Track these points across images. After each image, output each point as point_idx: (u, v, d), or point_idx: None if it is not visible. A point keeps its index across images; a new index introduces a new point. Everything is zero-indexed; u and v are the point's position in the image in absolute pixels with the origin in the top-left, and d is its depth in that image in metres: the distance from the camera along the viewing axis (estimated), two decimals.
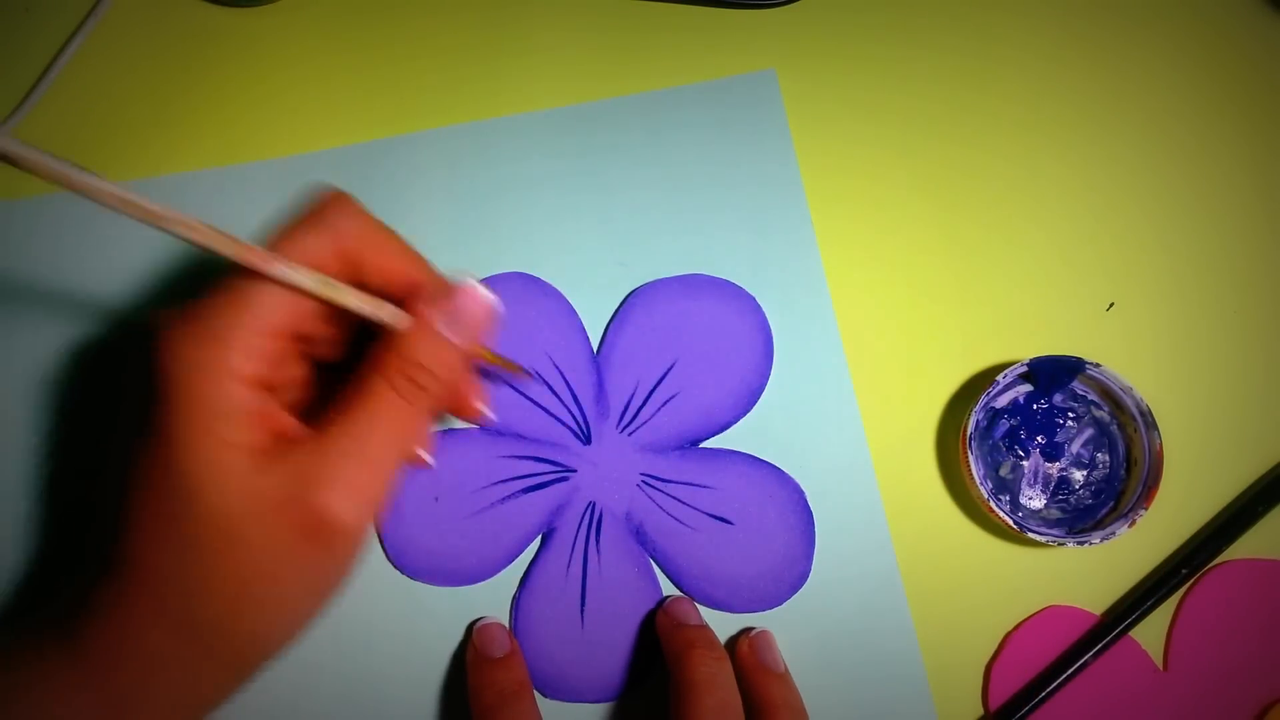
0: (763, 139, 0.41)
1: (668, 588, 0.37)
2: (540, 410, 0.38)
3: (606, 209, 0.40)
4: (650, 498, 0.37)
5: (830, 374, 0.39)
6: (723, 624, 0.37)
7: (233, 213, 0.40)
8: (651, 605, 0.37)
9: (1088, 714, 0.36)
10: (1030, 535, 0.35)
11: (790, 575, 0.37)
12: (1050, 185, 0.41)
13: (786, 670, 0.35)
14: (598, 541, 0.37)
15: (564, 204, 0.40)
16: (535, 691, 0.36)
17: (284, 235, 0.29)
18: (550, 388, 0.38)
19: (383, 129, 0.41)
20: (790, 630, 0.36)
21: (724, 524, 0.37)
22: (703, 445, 0.38)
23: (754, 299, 0.39)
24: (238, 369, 0.27)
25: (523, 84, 0.42)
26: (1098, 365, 0.36)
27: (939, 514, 0.38)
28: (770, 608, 0.37)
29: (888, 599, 0.37)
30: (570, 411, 0.38)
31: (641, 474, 0.37)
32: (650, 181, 0.40)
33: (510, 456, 0.38)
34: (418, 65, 0.42)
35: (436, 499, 0.37)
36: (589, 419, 0.38)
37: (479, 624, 0.36)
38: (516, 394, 0.38)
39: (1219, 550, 0.37)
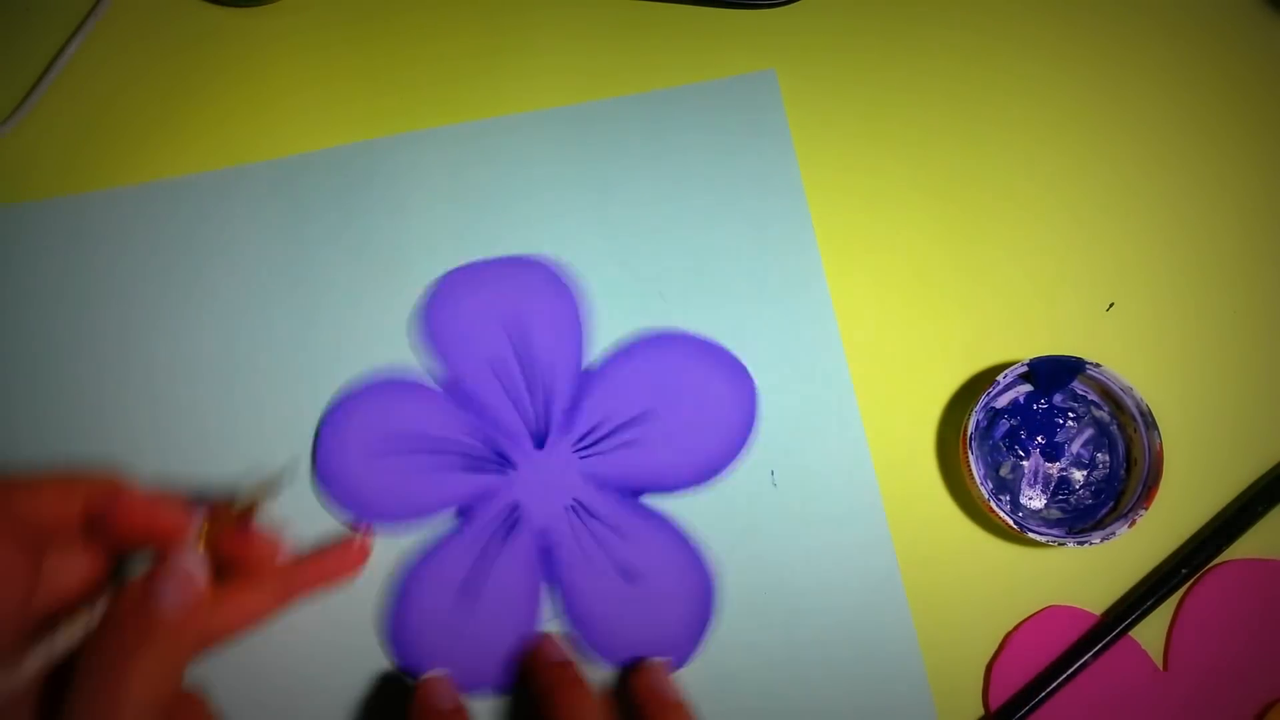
0: (763, 139, 0.41)
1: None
2: (508, 399, 0.38)
3: (606, 209, 0.40)
4: (571, 525, 0.37)
5: (830, 374, 0.39)
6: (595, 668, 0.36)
7: (233, 213, 0.40)
8: (525, 627, 0.36)
9: (1088, 714, 0.36)
10: (1030, 535, 0.35)
11: (675, 649, 0.36)
12: (1050, 185, 0.41)
13: (683, 699, 0.34)
14: (504, 542, 0.37)
15: (564, 204, 0.40)
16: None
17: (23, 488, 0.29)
18: (527, 383, 0.38)
19: (383, 129, 0.41)
20: (790, 630, 0.36)
21: (628, 581, 0.37)
22: (643, 499, 0.38)
23: (754, 386, 0.38)
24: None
25: (523, 84, 0.42)
26: (1098, 365, 0.36)
27: (939, 514, 0.38)
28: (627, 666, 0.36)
29: (888, 599, 0.37)
30: (535, 412, 0.38)
31: (575, 499, 0.37)
32: (650, 181, 0.40)
33: (462, 431, 0.38)
34: (418, 65, 0.42)
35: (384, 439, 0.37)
36: (550, 426, 0.38)
37: (425, 678, 0.35)
38: (490, 375, 0.38)
39: (1219, 550, 0.37)
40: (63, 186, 0.40)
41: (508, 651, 0.36)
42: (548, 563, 0.37)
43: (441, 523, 0.37)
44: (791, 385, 0.38)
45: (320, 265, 0.40)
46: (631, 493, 0.38)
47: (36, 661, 0.27)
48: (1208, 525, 0.38)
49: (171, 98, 0.42)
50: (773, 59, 0.42)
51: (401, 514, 0.37)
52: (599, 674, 0.36)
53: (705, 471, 0.38)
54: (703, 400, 0.38)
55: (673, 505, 0.37)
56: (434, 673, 0.36)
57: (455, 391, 0.38)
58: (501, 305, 0.39)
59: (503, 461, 0.38)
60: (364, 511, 0.37)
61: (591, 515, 0.37)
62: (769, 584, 0.37)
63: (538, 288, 0.39)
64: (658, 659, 0.36)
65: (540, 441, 0.38)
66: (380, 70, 0.42)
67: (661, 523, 0.37)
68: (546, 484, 0.37)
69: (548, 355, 0.39)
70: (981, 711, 0.37)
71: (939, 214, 0.40)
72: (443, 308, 0.39)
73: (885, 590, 0.37)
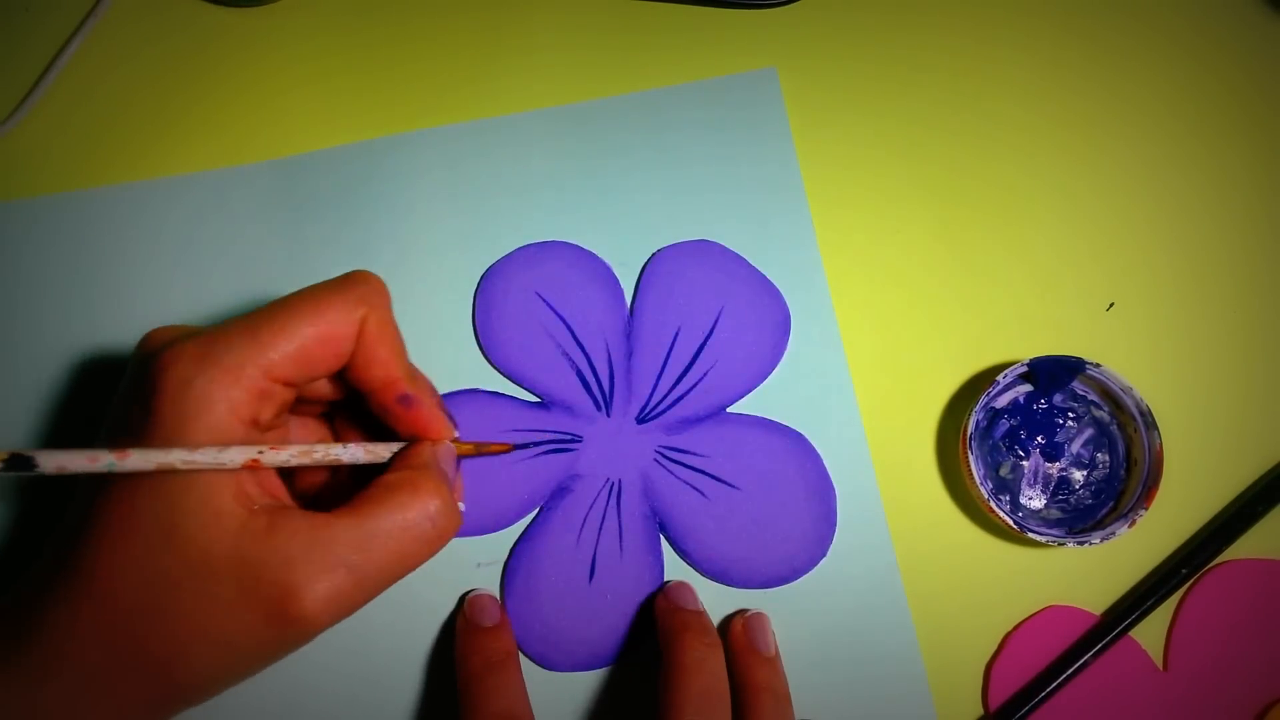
0: (763, 139, 0.41)
1: (674, 566, 0.37)
2: (572, 377, 0.38)
3: (606, 209, 0.40)
4: (668, 469, 0.37)
5: (830, 374, 0.39)
6: (722, 601, 0.37)
7: (233, 213, 0.40)
8: (656, 582, 0.37)
9: (1088, 714, 0.36)
10: (1030, 535, 0.35)
11: (805, 552, 0.37)
12: (1051, 185, 0.41)
13: (777, 654, 0.35)
14: (618, 511, 0.37)
15: (564, 204, 0.40)
16: (523, 660, 0.36)
17: (313, 299, 0.29)
18: (589, 359, 0.38)
19: (383, 129, 0.41)
20: (790, 630, 0.36)
21: (734, 491, 0.37)
22: (727, 412, 0.38)
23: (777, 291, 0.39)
24: (242, 408, 0.27)
25: (523, 84, 0.42)
26: (1098, 365, 0.36)
27: (939, 514, 0.38)
28: (777, 585, 0.37)
29: (888, 599, 0.37)
30: (599, 383, 0.38)
31: (659, 447, 0.38)
32: (650, 181, 0.40)
33: (527, 425, 0.38)
34: (418, 65, 0.42)
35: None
36: (612, 392, 0.38)
37: (471, 594, 0.36)
38: (549, 359, 0.38)
39: (1219, 550, 0.37)
40: (62, 185, 0.40)
41: (635, 619, 0.36)
42: (659, 514, 0.37)
43: (530, 516, 0.38)
44: (792, 385, 0.38)
45: (320, 265, 0.40)
46: (711, 414, 0.38)
47: (298, 458, 0.28)
48: (1208, 525, 0.38)
49: (171, 97, 0.42)
50: (773, 58, 0.42)
51: (495, 521, 0.37)
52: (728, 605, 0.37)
53: (765, 369, 0.38)
54: (738, 314, 0.39)
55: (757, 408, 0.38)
56: (479, 590, 0.36)
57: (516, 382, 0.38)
58: (537, 287, 0.39)
59: (573, 437, 0.38)
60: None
61: (680, 451, 0.38)
62: None
63: (562, 269, 0.39)
64: (757, 613, 0.36)
65: (608, 409, 0.38)
66: (380, 70, 0.42)
67: (751, 425, 0.38)
68: (626, 444, 0.38)
69: (594, 322, 0.39)
70: (981, 711, 0.37)
71: (939, 213, 0.40)
72: (487, 307, 0.39)
73: (885, 590, 0.37)
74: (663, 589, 0.36)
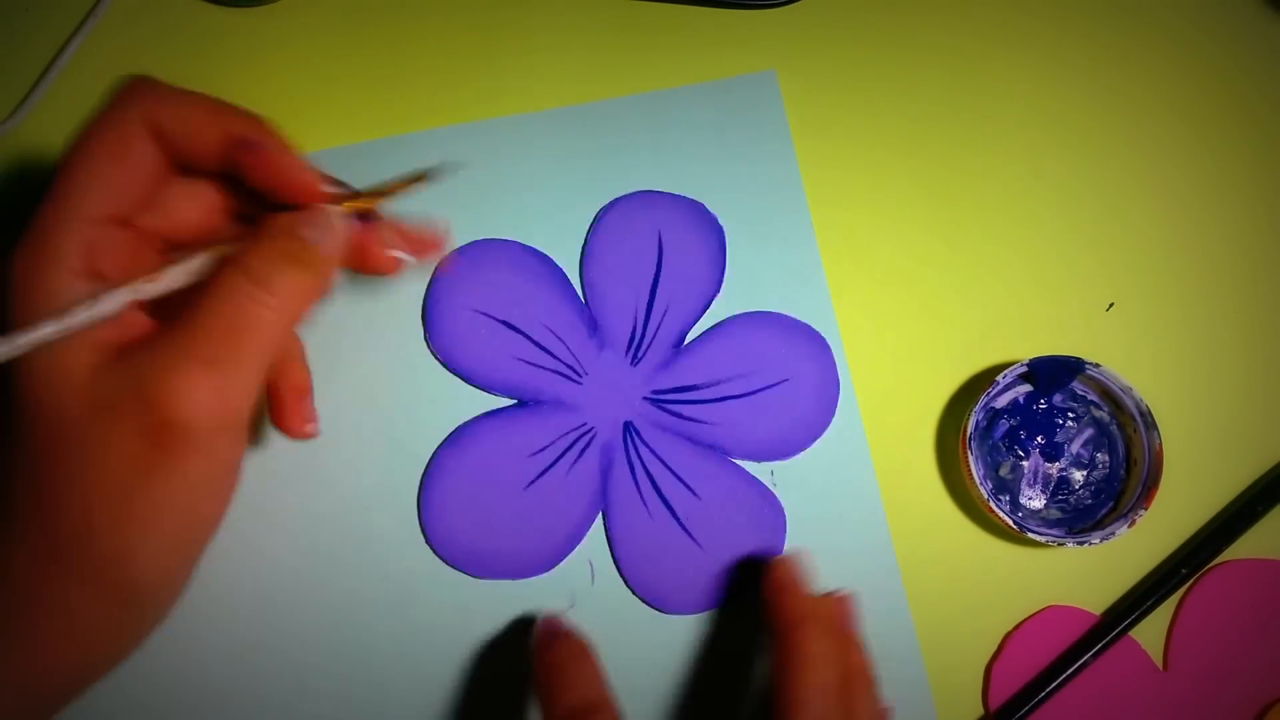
0: (763, 139, 0.41)
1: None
2: (632, 300, 0.39)
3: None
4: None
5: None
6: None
7: None
8: (574, 529, 0.37)
9: (1088, 714, 0.36)
10: (1030, 535, 0.35)
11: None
12: (1050, 185, 0.41)
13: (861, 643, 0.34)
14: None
15: (564, 205, 0.40)
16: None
17: (85, 141, 0.28)
18: (653, 295, 0.39)
19: (383, 129, 0.41)
20: None
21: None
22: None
23: (833, 359, 0.39)
24: (69, 263, 0.27)
25: (523, 84, 0.42)
26: (1098, 365, 0.36)
27: (939, 514, 0.38)
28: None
29: (888, 599, 0.37)
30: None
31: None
32: (650, 181, 0.40)
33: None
34: (418, 65, 0.42)
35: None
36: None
37: (544, 619, 0.35)
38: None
39: (1219, 550, 0.37)
40: None
41: (549, 549, 0.37)
42: (605, 480, 0.37)
43: (498, 403, 0.38)
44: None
45: None
46: (690, 440, 0.38)
47: (174, 278, 0.28)
48: (1208, 525, 0.38)
49: None
50: (773, 59, 0.42)
51: (470, 373, 0.38)
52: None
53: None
54: (788, 376, 0.39)
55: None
56: (551, 614, 0.36)
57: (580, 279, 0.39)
58: (655, 227, 0.40)
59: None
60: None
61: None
62: None
63: (691, 221, 0.40)
64: (846, 595, 0.35)
65: (634, 354, 0.38)
66: (380, 70, 0.42)
67: (721, 459, 0.38)
68: (619, 398, 0.38)
69: (684, 281, 0.39)
70: (981, 711, 0.37)
71: (939, 214, 0.40)
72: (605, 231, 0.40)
73: (885, 590, 0.37)
74: (770, 564, 0.34)
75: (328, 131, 0.41)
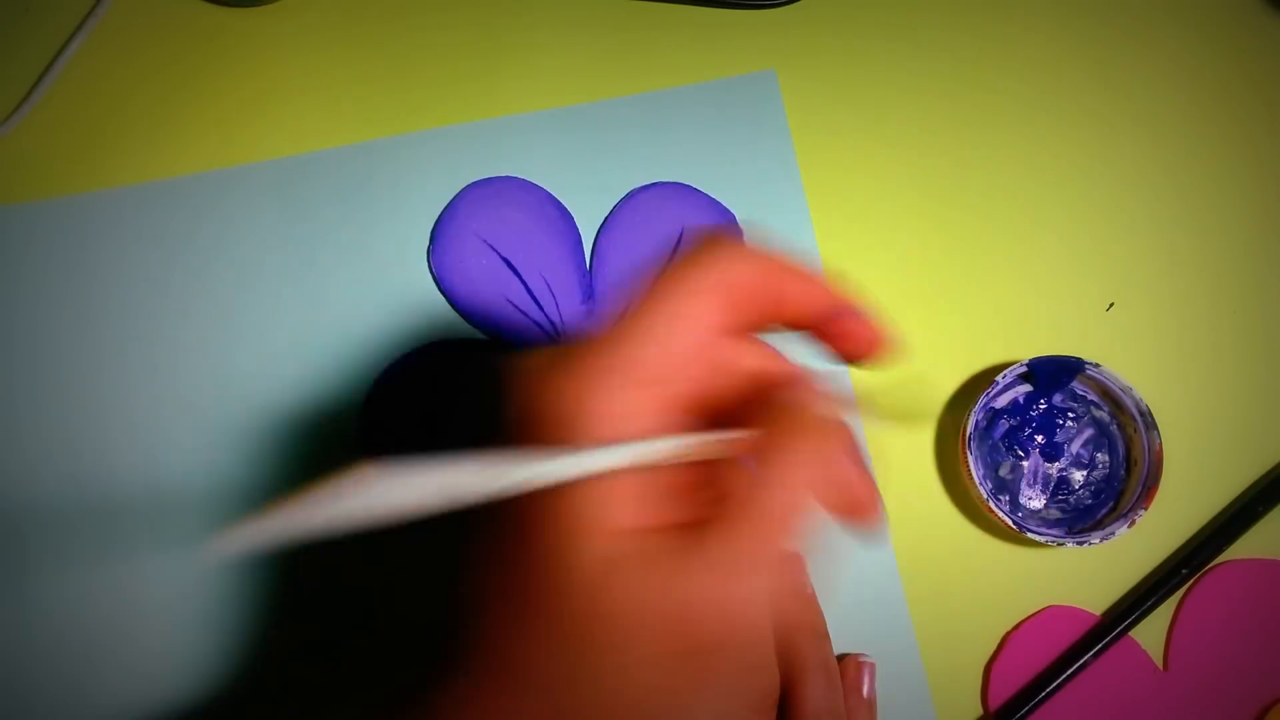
0: (763, 139, 0.41)
1: None
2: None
3: (606, 209, 0.40)
4: None
5: (829, 373, 0.39)
6: None
7: (232, 213, 0.40)
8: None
9: (1088, 714, 0.36)
10: (1030, 535, 0.35)
11: None
12: (1050, 185, 0.41)
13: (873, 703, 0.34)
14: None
15: (563, 203, 0.40)
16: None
17: (664, 283, 0.23)
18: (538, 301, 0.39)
19: (383, 129, 0.41)
20: None
21: None
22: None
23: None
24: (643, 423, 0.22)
25: (523, 84, 0.42)
26: (1098, 365, 0.36)
27: (938, 514, 0.38)
28: None
29: (888, 599, 0.37)
30: (559, 317, 0.39)
31: None
32: (650, 182, 0.40)
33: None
34: (418, 65, 0.42)
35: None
36: (571, 323, 0.39)
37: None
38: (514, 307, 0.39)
39: (1219, 550, 0.37)
40: (62, 187, 0.40)
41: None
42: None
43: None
44: None
45: (320, 266, 0.40)
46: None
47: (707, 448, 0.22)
48: (1208, 525, 0.38)
49: (171, 98, 0.42)
50: (773, 59, 0.42)
51: (457, 296, 0.39)
52: None
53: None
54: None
55: None
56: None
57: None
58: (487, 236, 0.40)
59: (555, 331, 0.38)
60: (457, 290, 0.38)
61: None
62: None
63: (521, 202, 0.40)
64: (870, 663, 0.35)
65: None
66: (380, 70, 0.42)
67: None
68: None
69: (550, 269, 0.39)
70: (981, 712, 0.37)
71: (939, 214, 0.40)
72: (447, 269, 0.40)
73: (884, 590, 0.37)
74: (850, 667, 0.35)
75: (328, 131, 0.41)
